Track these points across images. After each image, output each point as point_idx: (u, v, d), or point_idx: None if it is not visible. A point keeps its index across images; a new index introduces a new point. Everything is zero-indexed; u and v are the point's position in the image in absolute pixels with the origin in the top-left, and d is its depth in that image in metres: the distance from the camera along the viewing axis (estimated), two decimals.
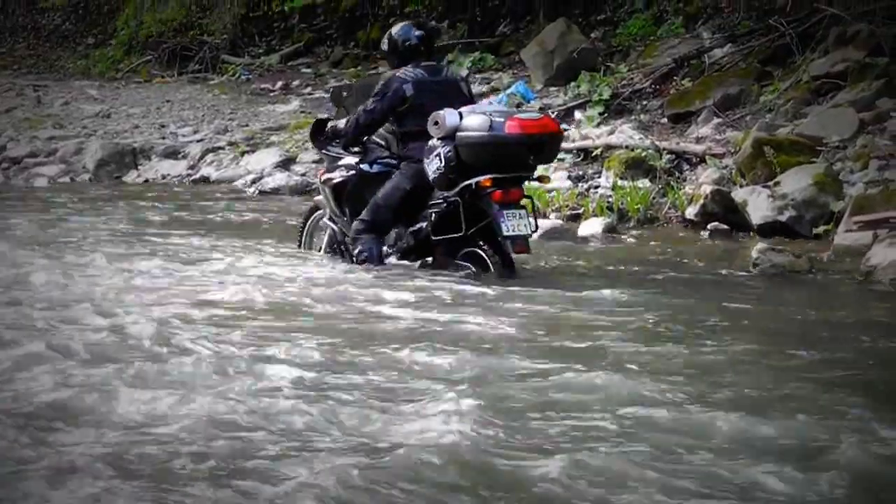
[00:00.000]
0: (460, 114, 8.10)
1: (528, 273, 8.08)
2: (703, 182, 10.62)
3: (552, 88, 15.32)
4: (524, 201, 8.17)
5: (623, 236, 9.99)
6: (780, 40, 13.54)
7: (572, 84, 14.84)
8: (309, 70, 22.06)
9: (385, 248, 8.47)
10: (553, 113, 14.05)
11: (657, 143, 12.04)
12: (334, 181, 8.88)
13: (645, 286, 7.65)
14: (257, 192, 13.50)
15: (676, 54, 14.74)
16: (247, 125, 16.70)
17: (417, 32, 8.76)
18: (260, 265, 8.47)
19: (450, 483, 3.85)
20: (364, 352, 5.62)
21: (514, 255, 7.95)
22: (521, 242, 7.95)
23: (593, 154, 12.47)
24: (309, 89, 20.14)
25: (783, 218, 9.55)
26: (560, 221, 10.37)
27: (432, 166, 8.14)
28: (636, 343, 5.86)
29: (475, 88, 16.61)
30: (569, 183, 11.90)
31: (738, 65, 13.85)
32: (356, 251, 8.49)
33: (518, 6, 19.46)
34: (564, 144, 12.74)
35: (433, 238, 8.21)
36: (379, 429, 4.40)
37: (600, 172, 11.95)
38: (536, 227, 8.27)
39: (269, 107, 18.64)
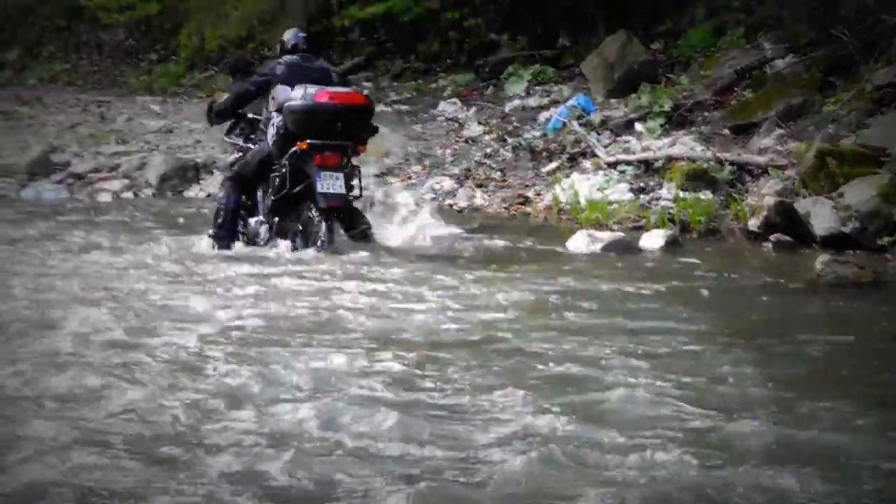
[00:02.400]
0: (293, 89, 9.65)
1: (595, 283, 8.05)
2: (765, 193, 10.54)
3: (613, 100, 15.30)
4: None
5: (685, 248, 9.93)
6: (842, 50, 13.41)
7: (633, 96, 14.81)
8: (369, 84, 22.11)
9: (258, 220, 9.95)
10: (613, 124, 14.09)
11: (719, 154, 11.98)
12: (229, 161, 10.94)
13: (705, 297, 7.61)
14: None
15: (738, 65, 14.68)
16: None
17: (301, 34, 10.66)
18: None
19: None
20: None
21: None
22: (334, 200, 9.37)
23: (655, 166, 12.44)
24: None
25: (847, 229, 9.47)
26: (622, 233, 10.31)
27: (269, 134, 9.86)
28: (688, 355, 5.83)
29: (535, 101, 16.74)
30: (630, 195, 11.87)
31: (800, 75, 13.73)
32: (219, 195, 10.30)
33: (578, 19, 19.44)
34: (626, 156, 12.80)
35: (273, 198, 9.77)
36: None
37: (662, 184, 11.92)
38: (361, 193, 9.89)
39: None
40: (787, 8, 15.60)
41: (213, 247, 9.75)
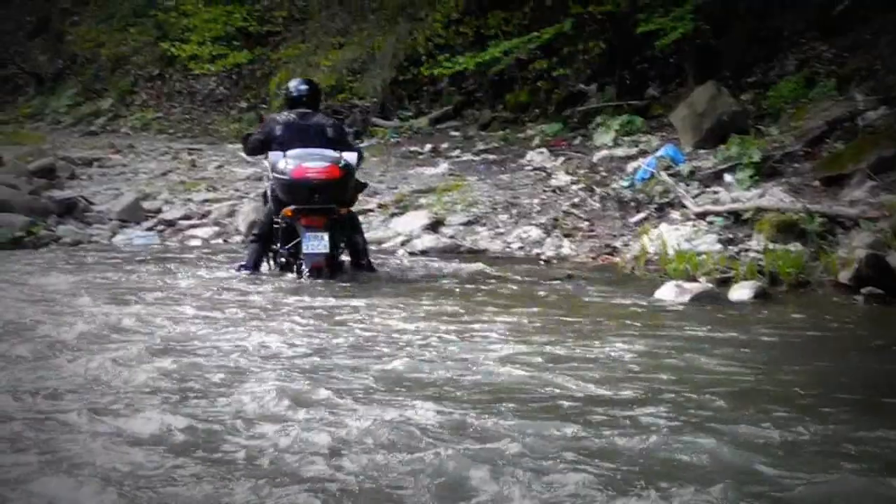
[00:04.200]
0: (285, 155, 11.06)
1: (676, 335, 7.99)
2: (856, 246, 10.41)
3: (702, 151, 15.22)
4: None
5: (774, 300, 9.83)
6: None
7: (722, 147, 14.71)
8: (457, 133, 22.20)
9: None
10: (701, 175, 14.00)
11: (809, 206, 11.87)
12: (262, 190, 12.42)
13: (791, 350, 7.53)
14: (407, 253, 13.57)
15: (829, 117, 14.54)
16: (396, 187, 16.83)
17: (303, 87, 11.95)
18: None
19: None
20: None
21: None
22: (317, 259, 10.76)
23: (743, 217, 12.35)
24: (457, 152, 20.24)
25: None
26: (710, 285, 10.24)
27: (268, 195, 11.47)
28: (765, 410, 5.76)
29: (623, 151, 16.71)
30: (719, 246, 11.77)
31: (892, 127, 13.57)
32: (247, 251, 11.73)
33: (667, 69, 19.42)
34: (714, 207, 12.72)
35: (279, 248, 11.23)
36: None
37: (751, 235, 11.83)
38: (338, 250, 11.20)
39: (417, 169, 18.78)
40: (879, 59, 15.48)
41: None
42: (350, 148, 11.67)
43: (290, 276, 11.04)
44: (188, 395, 6.01)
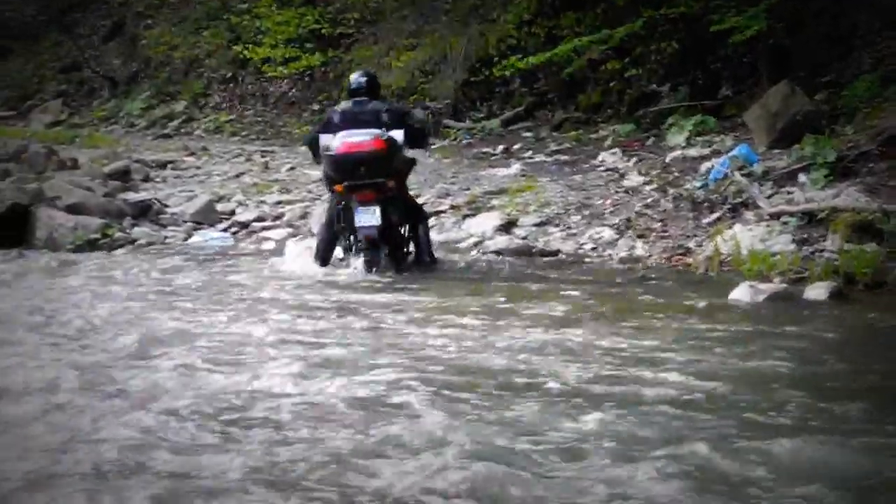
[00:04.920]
0: (334, 136, 11.54)
1: (751, 331, 7.97)
2: None
3: (775, 151, 15.13)
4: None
5: (850, 300, 9.76)
6: None
7: (796, 147, 14.61)
8: (529, 134, 22.22)
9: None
10: (774, 175, 13.92)
11: (885, 206, 11.77)
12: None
13: (865, 349, 7.50)
14: (480, 254, 13.60)
15: None
16: (468, 189, 16.87)
17: (362, 78, 12.35)
18: None
19: None
20: None
21: None
22: (369, 231, 11.32)
23: (818, 217, 12.27)
24: (529, 153, 20.27)
25: None
26: (784, 285, 10.20)
27: (322, 175, 12.21)
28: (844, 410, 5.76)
29: (696, 151, 16.65)
30: (793, 246, 11.71)
31: None
32: (317, 231, 12.56)
33: (740, 69, 19.33)
34: (789, 207, 12.64)
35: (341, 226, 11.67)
36: None
37: (825, 236, 11.75)
38: (390, 222, 11.50)
39: (489, 170, 18.80)
40: None
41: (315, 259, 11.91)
42: (406, 128, 12.06)
43: (350, 270, 11.46)
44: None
